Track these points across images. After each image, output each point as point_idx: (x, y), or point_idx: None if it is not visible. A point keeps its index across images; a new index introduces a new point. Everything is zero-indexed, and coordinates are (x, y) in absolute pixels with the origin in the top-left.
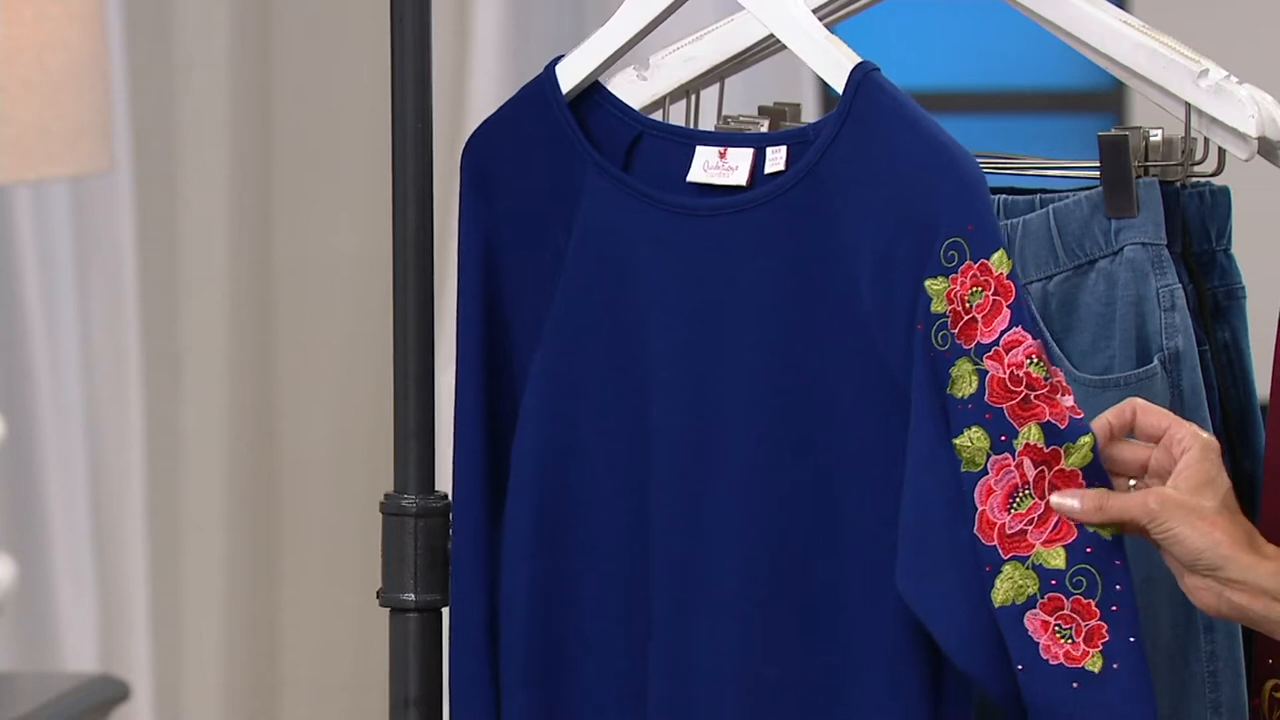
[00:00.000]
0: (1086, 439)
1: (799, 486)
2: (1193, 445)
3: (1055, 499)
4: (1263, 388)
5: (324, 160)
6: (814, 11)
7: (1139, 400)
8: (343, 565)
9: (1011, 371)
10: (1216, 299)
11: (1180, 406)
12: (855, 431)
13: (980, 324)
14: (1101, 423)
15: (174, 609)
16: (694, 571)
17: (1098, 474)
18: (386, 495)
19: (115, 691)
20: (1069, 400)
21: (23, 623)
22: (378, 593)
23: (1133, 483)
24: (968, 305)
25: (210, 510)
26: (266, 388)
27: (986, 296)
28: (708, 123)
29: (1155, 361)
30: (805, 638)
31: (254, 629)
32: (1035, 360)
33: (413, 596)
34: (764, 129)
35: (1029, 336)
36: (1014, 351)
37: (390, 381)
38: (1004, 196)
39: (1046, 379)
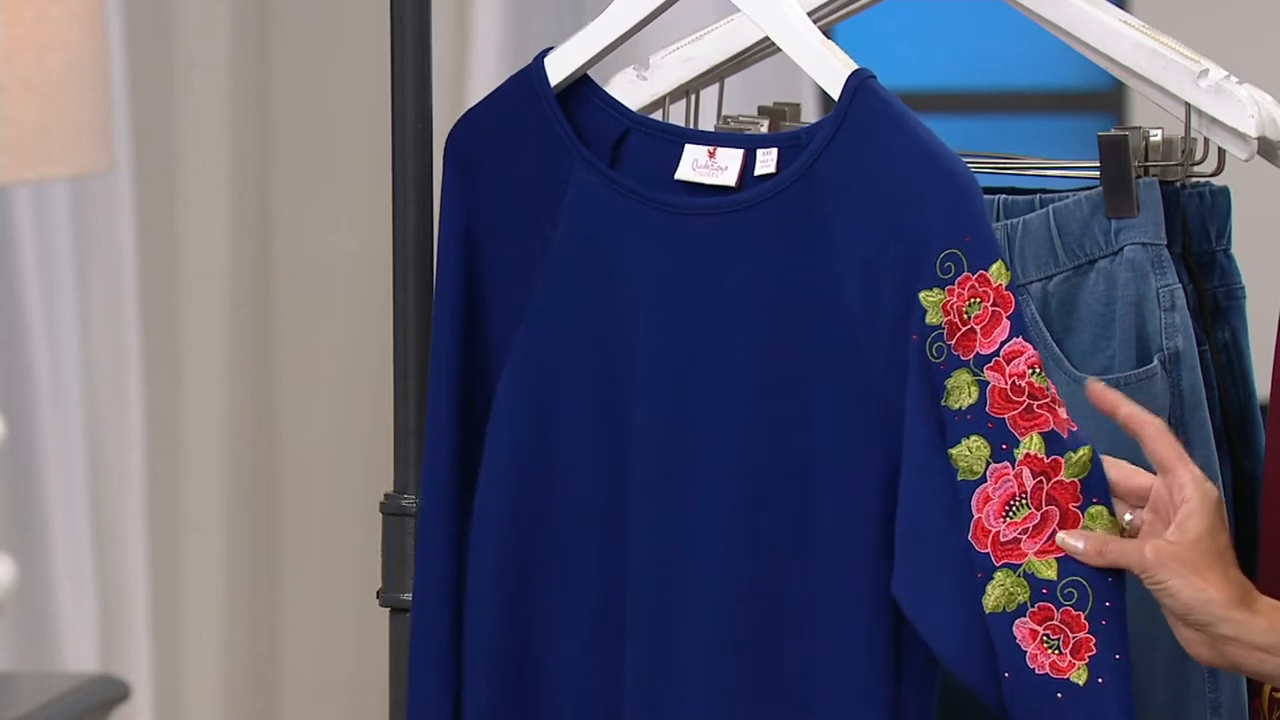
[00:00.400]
0: (1085, 450)
1: (780, 487)
2: (1193, 495)
3: (1062, 537)
4: (1263, 388)
5: (324, 160)
6: (814, 11)
7: (1162, 426)
8: (343, 565)
9: (1013, 381)
10: (1216, 299)
11: (1180, 406)
12: (837, 433)
13: (979, 335)
14: (1131, 411)
15: (174, 609)
16: (673, 570)
17: (1096, 486)
18: (386, 495)
19: (115, 691)
20: (1064, 411)
21: (23, 623)
22: (378, 593)
23: (1129, 517)
24: (965, 316)
25: (210, 510)
26: (266, 388)
27: (985, 308)
28: (707, 123)
29: (1155, 361)
30: (783, 637)
31: (254, 629)
32: (1037, 370)
33: (412, 596)
34: (764, 129)
35: (1029, 347)
36: (1015, 362)
37: (390, 381)
38: (1004, 196)
39: (1048, 388)
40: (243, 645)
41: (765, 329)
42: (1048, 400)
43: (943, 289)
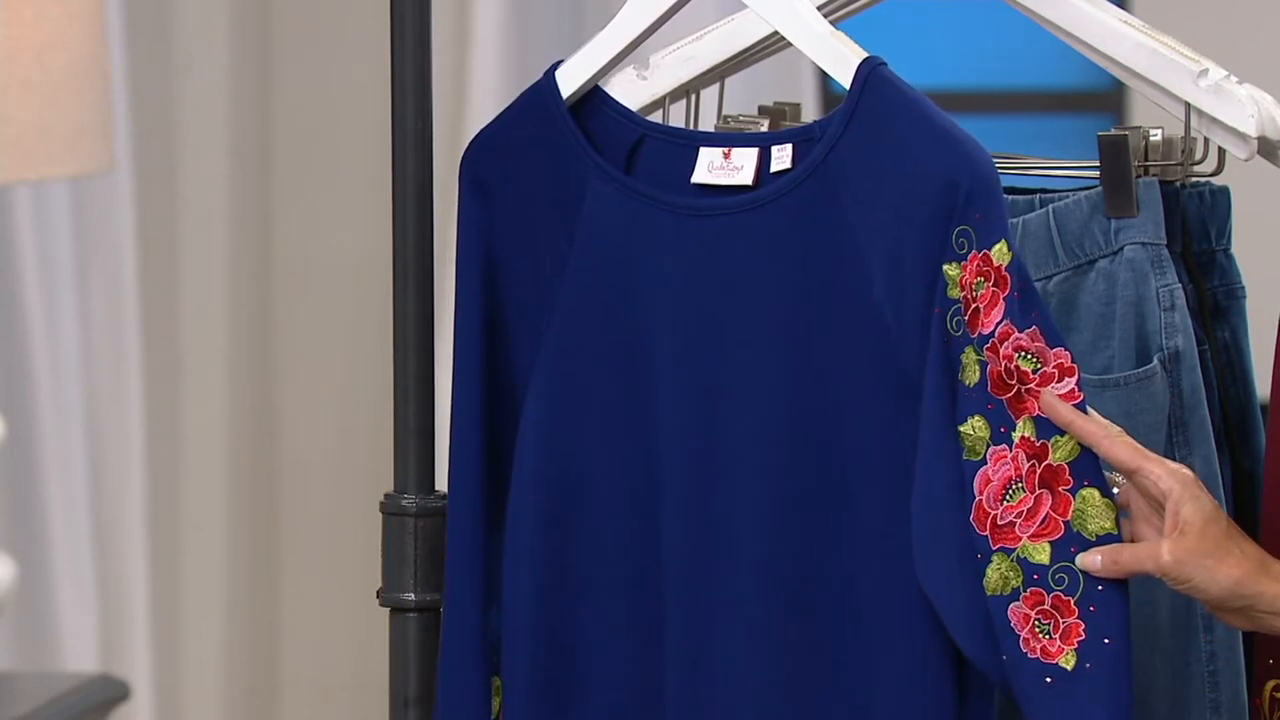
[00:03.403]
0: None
1: (814, 484)
2: (1172, 485)
3: (1080, 557)
4: (1263, 388)
5: (324, 160)
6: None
7: (1115, 432)
8: (343, 565)
9: (1005, 364)
10: (1216, 299)
11: (1180, 406)
12: (870, 427)
13: (982, 314)
14: (1083, 425)
15: (174, 609)
16: (710, 574)
17: (1086, 468)
18: (386, 495)
19: (115, 691)
20: (1066, 386)
21: (23, 623)
22: (378, 593)
23: (1115, 490)
24: (974, 294)
25: (210, 510)
26: (266, 388)
27: (988, 288)
28: (708, 122)
29: (1155, 361)
30: (825, 635)
31: (254, 629)
32: (1024, 354)
33: (413, 596)
34: (764, 128)
35: (1016, 329)
36: (1005, 344)
37: (390, 381)
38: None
39: (1035, 371)
40: (243, 645)
41: (791, 322)
42: (1035, 384)
43: (959, 264)
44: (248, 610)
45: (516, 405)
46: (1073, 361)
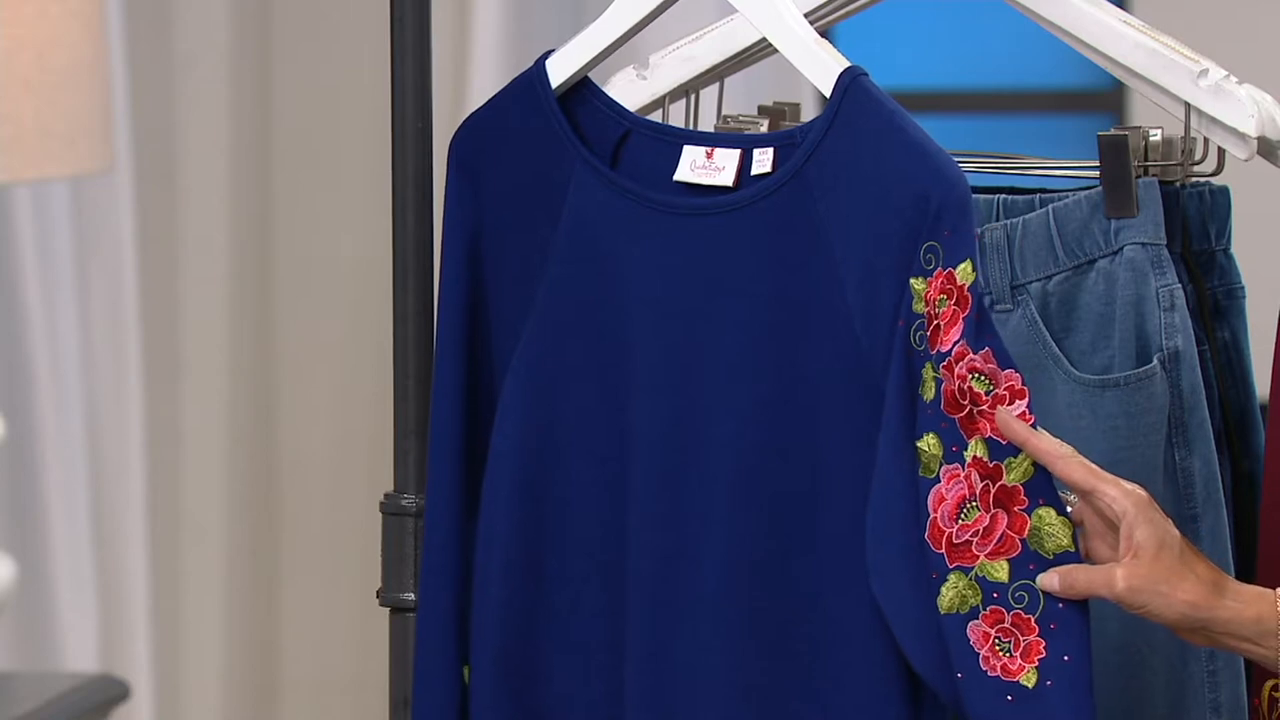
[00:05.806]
0: (1025, 454)
1: (781, 486)
2: (1127, 506)
3: (1038, 578)
4: (1263, 388)
5: (324, 160)
6: (813, 11)
7: (1069, 453)
8: (343, 565)
9: (959, 384)
10: (1216, 299)
11: (1180, 406)
12: (837, 432)
13: (942, 331)
14: (1037, 444)
15: (174, 609)
16: (673, 570)
17: (1041, 488)
18: (386, 495)
19: (115, 691)
20: (1017, 409)
21: (23, 623)
22: (378, 592)
23: (1074, 497)
24: (937, 310)
25: (210, 510)
26: (266, 388)
27: (949, 306)
28: (707, 122)
29: (1155, 361)
30: (786, 637)
31: (254, 629)
32: (977, 375)
33: (413, 596)
34: (763, 129)
35: (970, 350)
36: (960, 364)
37: (390, 381)
38: (1004, 196)
39: (988, 393)
40: (243, 645)
41: (764, 325)
42: (986, 405)
43: (925, 279)
44: (248, 610)
45: (495, 391)
46: (1024, 384)
